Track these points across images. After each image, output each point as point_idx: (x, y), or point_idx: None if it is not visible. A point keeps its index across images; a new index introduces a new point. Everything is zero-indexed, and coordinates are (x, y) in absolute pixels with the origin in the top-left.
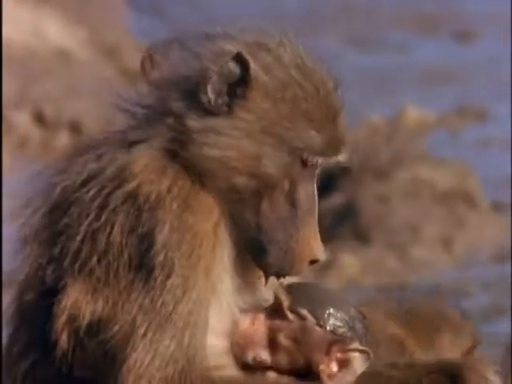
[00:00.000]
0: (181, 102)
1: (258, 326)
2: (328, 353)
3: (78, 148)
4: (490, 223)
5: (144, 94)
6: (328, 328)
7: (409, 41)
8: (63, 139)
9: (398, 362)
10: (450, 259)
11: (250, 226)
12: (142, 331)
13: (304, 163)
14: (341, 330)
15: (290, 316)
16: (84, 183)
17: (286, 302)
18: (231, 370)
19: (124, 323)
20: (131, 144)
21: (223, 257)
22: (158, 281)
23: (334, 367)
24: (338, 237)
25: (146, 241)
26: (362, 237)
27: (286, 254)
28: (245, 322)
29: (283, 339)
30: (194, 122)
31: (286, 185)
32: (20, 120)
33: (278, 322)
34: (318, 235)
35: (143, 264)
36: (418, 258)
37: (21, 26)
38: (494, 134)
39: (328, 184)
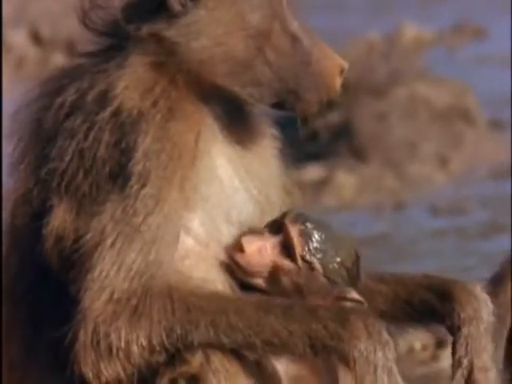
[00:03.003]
0: (150, 21)
1: (263, 258)
2: (324, 299)
3: (53, 78)
4: (487, 141)
5: (109, 19)
6: (332, 278)
7: None
8: (59, 58)
9: (385, 276)
10: (447, 177)
11: (269, 83)
12: (110, 241)
13: None
14: (343, 280)
15: (300, 263)
16: (68, 115)
17: (299, 248)
18: (209, 278)
19: (95, 232)
20: (109, 69)
21: (201, 168)
22: (134, 189)
23: None
24: (335, 155)
25: (128, 152)
26: (358, 155)
27: (314, 80)
28: (251, 247)
29: (285, 280)
30: (172, 31)
31: (277, 24)
32: (16, 39)
33: (285, 263)
34: (329, 48)
35: (122, 174)
36: (415, 176)
37: None
38: (491, 51)
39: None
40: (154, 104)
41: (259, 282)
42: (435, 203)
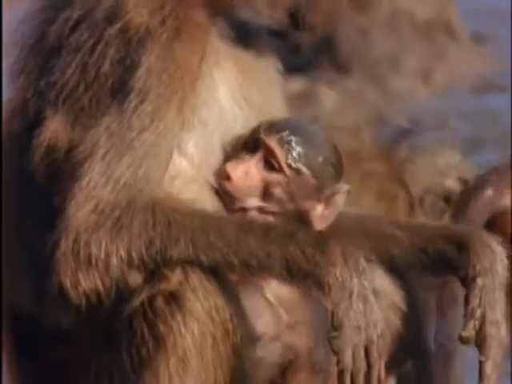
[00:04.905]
0: None
1: (251, 180)
2: (318, 199)
3: None
4: (470, 55)
5: None
6: (321, 177)
7: None
8: None
9: (401, 221)
10: (429, 90)
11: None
12: (101, 152)
13: None
14: (331, 177)
15: (288, 172)
16: (74, 28)
17: (283, 158)
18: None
19: (88, 144)
20: None
21: (202, 91)
22: (132, 105)
23: (321, 208)
24: (317, 69)
25: (131, 69)
26: (341, 69)
27: None
28: (237, 173)
29: (277, 191)
30: None
31: None
32: None
33: (273, 176)
34: None
35: (123, 89)
36: (398, 90)
37: None
38: None
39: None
40: (162, 23)
41: (254, 201)
42: (417, 117)
